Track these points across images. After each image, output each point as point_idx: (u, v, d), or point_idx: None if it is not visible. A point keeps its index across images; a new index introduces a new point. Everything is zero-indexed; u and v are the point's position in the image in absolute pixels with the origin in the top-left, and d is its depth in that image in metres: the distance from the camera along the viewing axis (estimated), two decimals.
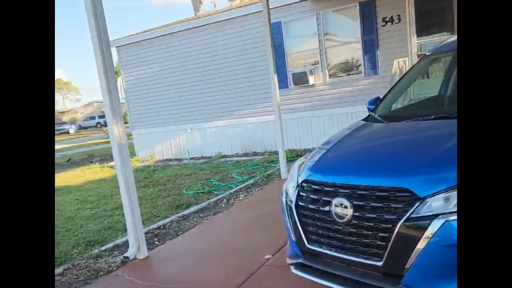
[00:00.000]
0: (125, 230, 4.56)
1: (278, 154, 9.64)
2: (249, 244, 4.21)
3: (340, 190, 2.38)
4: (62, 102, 72.17)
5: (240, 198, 6.40)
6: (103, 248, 4.70)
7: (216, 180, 8.03)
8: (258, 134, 10.54)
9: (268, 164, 8.86)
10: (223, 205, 6.15)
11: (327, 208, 2.41)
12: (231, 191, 6.94)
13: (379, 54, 8.60)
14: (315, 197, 2.51)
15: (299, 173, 2.78)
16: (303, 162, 2.91)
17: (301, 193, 2.63)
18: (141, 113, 12.31)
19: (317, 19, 9.23)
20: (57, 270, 4.17)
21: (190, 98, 11.28)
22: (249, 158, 10.17)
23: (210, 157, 11.16)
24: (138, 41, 11.70)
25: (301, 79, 9.43)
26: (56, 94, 74.77)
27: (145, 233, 4.67)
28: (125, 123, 15.12)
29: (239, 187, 7.13)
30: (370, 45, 8.68)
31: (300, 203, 2.62)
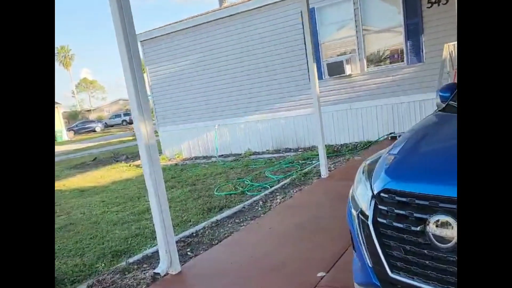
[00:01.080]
0: (154, 238, 4.08)
1: (312, 150, 9.09)
2: (296, 257, 3.63)
3: (441, 205, 1.76)
4: (88, 101, 73.22)
5: (278, 200, 5.83)
6: (130, 260, 4.21)
7: (249, 180, 7.49)
8: (290, 129, 9.93)
9: (303, 162, 8.26)
10: (259, 209, 5.60)
11: (421, 228, 1.81)
12: (266, 192, 6.39)
13: (424, 39, 7.84)
14: (402, 212, 1.90)
15: (373, 179, 2.18)
16: (375, 164, 2.32)
17: (380, 207, 2.03)
18: (167, 109, 11.89)
19: (354, 3, 8.53)
20: (81, 287, 3.71)
21: (218, 92, 10.77)
22: (281, 155, 9.58)
23: (240, 154, 10.64)
24: (163, 35, 11.25)
25: (336, 69, 8.77)
26: (82, 93, 75.85)
27: (176, 242, 4.16)
28: (152, 119, 14.91)
29: (275, 187, 6.57)
30: (413, 30, 7.93)
31: (379, 220, 2.01)
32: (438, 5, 7.59)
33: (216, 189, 7.24)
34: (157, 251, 3.81)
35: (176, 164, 11.20)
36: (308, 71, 8.72)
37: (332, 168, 6.78)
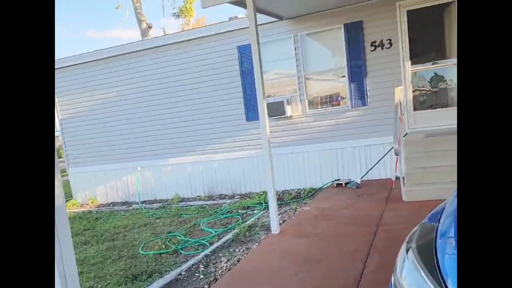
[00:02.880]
0: None
1: (251, 197, 8.23)
2: None
3: None
4: None
5: (223, 264, 4.83)
6: None
7: (182, 234, 6.37)
8: (225, 173, 9.02)
9: (243, 211, 7.35)
10: (201, 276, 4.55)
11: None
12: (206, 251, 5.36)
13: (368, 82, 7.56)
14: None
15: (442, 269, 1.43)
16: (427, 243, 1.57)
17: None
18: (80, 147, 10.35)
19: (294, 42, 8.10)
20: None
21: (141, 130, 9.59)
22: (215, 202, 8.58)
23: (167, 200, 9.42)
24: (78, 64, 9.89)
25: (277, 109, 8.16)
26: None
27: None
28: (60, 157, 13.02)
29: (216, 245, 5.56)
30: (357, 72, 7.64)
31: None
32: (382, 48, 7.40)
33: (141, 247, 6.02)
34: None
35: (90, 211, 9.63)
36: (244, 110, 8.32)
37: (281, 221, 5.96)
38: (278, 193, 8.15)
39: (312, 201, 7.06)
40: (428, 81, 7.39)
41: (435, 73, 7.30)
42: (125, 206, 9.62)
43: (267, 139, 5.39)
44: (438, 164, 6.06)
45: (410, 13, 7.19)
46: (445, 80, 7.28)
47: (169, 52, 9.06)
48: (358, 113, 7.69)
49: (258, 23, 8.13)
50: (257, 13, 5.53)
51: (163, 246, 5.91)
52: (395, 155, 5.84)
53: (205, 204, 8.47)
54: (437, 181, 5.83)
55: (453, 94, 7.17)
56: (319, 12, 7.80)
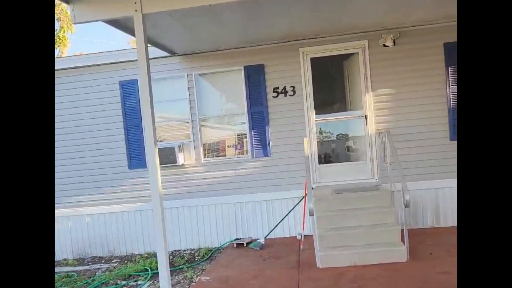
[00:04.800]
0: None
1: (134, 261, 6.91)
2: None
3: None
4: None
5: None
6: None
7: None
8: (100, 231, 7.48)
9: (124, 283, 5.98)
10: None
11: None
12: None
13: (270, 131, 6.99)
14: None
15: None
16: None
17: None
18: None
19: (188, 82, 7.18)
20: None
21: None
22: (87, 268, 6.98)
23: None
24: None
25: (167, 157, 7.06)
26: None
27: None
28: None
29: None
30: (258, 119, 7.02)
31: None
32: (285, 95, 6.93)
33: None
34: None
35: None
36: (126, 155, 7.07)
37: None
38: (168, 255, 6.95)
39: (211, 266, 6.07)
40: (333, 133, 7.13)
41: (339, 125, 7.07)
42: None
43: (158, 191, 4.39)
44: (352, 224, 5.67)
45: (314, 61, 6.88)
46: (348, 134, 7.10)
47: None
48: (260, 164, 7.03)
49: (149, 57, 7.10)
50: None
51: None
52: (310, 215, 5.24)
53: (73, 272, 6.81)
54: (353, 244, 5.41)
55: (356, 148, 7.00)
56: (217, 51, 7.05)
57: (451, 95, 6.49)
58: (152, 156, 4.42)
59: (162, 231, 4.45)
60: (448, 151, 6.47)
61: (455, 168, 6.58)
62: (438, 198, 6.60)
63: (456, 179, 1.92)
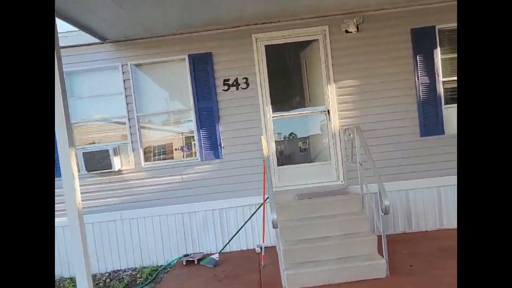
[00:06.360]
0: None
1: None
2: None
3: None
4: None
5: None
6: None
7: None
8: None
9: None
10: None
11: None
12: None
13: (221, 129, 6.10)
14: None
15: None
16: None
17: None
18: None
19: (123, 73, 6.11)
20: None
21: None
22: None
23: None
24: None
25: (100, 162, 5.99)
26: None
27: None
28: None
29: None
30: (207, 116, 6.10)
31: None
32: (237, 89, 6.06)
33: None
34: None
35: None
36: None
37: None
38: (104, 277, 5.93)
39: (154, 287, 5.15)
40: (292, 131, 6.35)
41: (299, 121, 6.30)
42: None
43: (76, 205, 3.57)
44: (322, 235, 4.96)
45: (269, 49, 6.06)
46: (308, 131, 6.35)
47: None
48: (211, 167, 6.14)
49: (74, 43, 6.08)
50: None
51: None
52: (273, 227, 4.44)
53: None
54: (325, 258, 4.69)
55: (318, 147, 6.28)
56: (157, 37, 6.03)
57: (420, 87, 5.93)
58: (67, 162, 3.59)
59: (82, 253, 3.72)
60: (419, 148, 5.93)
61: (428, 167, 6.11)
62: (409, 200, 6.04)
63: (456, 178, 1.89)
